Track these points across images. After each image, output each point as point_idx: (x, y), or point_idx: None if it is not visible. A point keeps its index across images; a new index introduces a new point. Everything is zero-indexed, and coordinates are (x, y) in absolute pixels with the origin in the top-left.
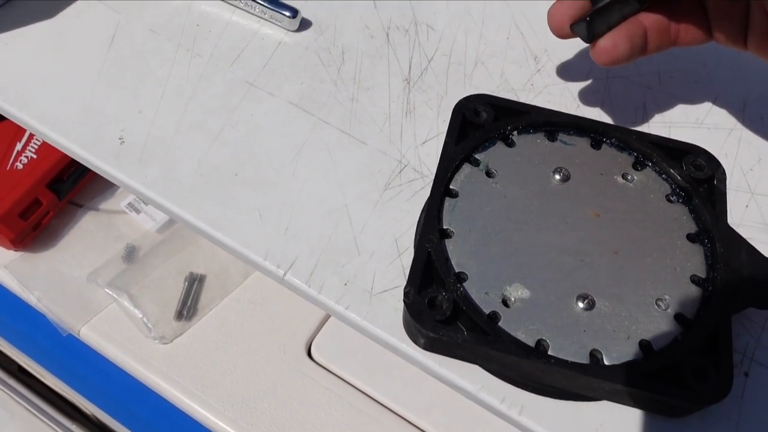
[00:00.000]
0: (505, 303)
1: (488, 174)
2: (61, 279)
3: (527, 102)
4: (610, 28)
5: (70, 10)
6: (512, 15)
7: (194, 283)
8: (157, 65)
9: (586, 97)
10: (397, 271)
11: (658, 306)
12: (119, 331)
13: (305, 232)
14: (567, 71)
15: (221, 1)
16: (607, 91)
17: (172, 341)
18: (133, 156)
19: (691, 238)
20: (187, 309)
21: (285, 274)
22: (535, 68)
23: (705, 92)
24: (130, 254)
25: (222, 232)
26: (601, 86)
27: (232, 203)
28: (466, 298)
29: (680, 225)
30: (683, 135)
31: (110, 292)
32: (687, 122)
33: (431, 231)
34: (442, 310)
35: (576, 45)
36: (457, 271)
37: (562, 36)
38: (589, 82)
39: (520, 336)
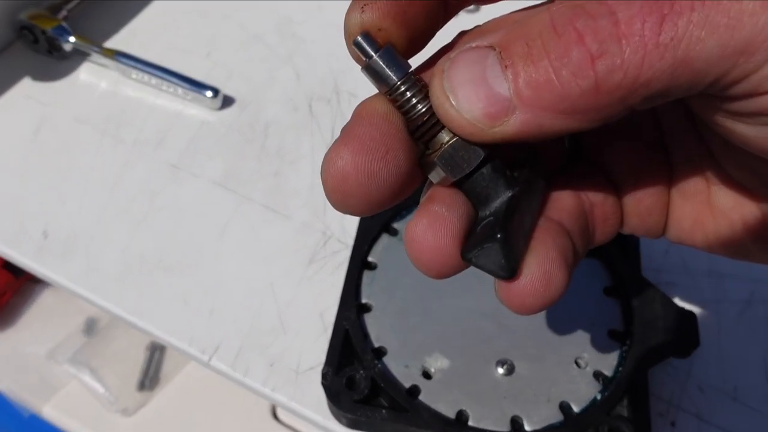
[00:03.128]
0: (426, 375)
1: None
2: (22, 359)
3: None
4: (526, 241)
5: None
6: None
7: (155, 352)
8: (81, 155)
9: None
10: (322, 347)
11: (578, 365)
12: (82, 407)
13: (230, 314)
14: None
15: (145, 85)
16: None
17: (135, 413)
18: (56, 250)
19: (607, 291)
20: (149, 379)
21: (210, 359)
22: None
23: None
24: (90, 327)
25: (146, 321)
26: None
27: (156, 290)
28: (385, 374)
29: (596, 279)
30: None
31: (70, 369)
32: None
33: (348, 308)
34: (360, 389)
35: None
36: (376, 345)
37: (445, 275)
38: None
39: (441, 408)
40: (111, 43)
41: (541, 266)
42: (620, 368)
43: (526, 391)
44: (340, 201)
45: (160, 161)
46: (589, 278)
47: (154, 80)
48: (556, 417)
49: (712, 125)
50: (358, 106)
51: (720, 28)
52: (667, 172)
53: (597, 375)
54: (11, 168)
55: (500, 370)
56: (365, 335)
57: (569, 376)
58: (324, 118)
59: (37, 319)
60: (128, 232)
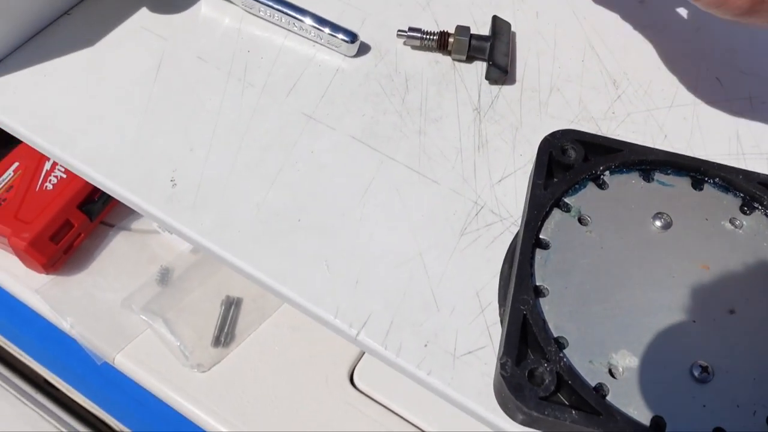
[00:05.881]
0: (611, 373)
1: (581, 221)
2: (94, 304)
3: (610, 133)
4: None
5: (111, 38)
6: (586, 34)
7: (231, 307)
8: (207, 97)
9: (673, 125)
10: (480, 330)
11: None
12: (155, 359)
13: (377, 284)
14: (650, 97)
15: (273, 24)
16: (696, 118)
17: (209, 369)
18: (186, 200)
19: None
20: (225, 335)
21: (358, 333)
22: (616, 94)
23: None
24: (165, 277)
25: (288, 287)
26: (688, 113)
27: (296, 253)
28: (571, 369)
29: None
30: None
31: (145, 318)
32: None
33: (525, 290)
34: (545, 384)
35: (657, 67)
36: (555, 335)
37: None
38: (674, 108)
39: (632, 413)
40: None
41: None
42: None
43: (727, 401)
44: None
45: (294, 110)
46: None
47: (284, 19)
48: None
49: None
50: None
51: None
52: None
53: None
54: (132, 107)
55: (696, 374)
56: (544, 322)
57: None
58: (469, 74)
59: (111, 265)
60: (262, 185)
